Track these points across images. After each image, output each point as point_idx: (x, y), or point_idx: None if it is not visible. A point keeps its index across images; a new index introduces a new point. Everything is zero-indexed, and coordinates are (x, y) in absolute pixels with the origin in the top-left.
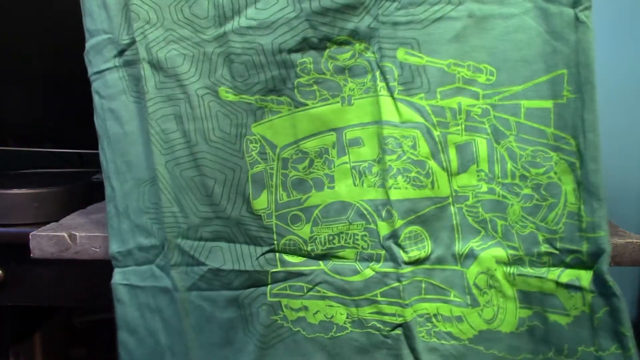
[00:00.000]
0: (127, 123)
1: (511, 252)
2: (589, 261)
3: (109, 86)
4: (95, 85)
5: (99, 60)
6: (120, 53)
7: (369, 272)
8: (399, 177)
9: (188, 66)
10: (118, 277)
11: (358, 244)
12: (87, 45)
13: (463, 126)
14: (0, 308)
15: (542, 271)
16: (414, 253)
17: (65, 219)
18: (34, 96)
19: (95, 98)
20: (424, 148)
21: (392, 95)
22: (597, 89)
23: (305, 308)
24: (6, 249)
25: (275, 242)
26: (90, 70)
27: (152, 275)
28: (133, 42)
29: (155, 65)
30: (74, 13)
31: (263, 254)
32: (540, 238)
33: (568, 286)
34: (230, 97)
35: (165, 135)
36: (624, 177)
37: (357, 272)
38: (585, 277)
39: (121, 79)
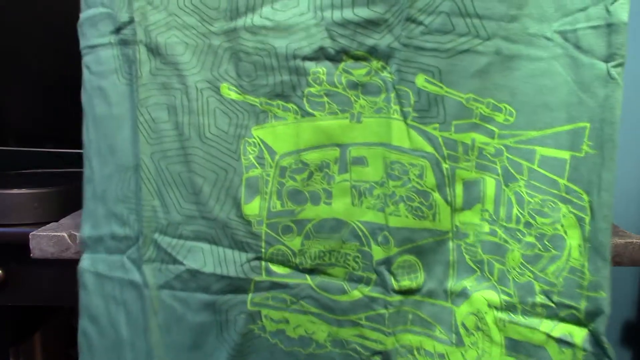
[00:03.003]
0: (116, 105)
1: (505, 297)
2: (584, 319)
3: (100, 63)
4: (86, 60)
5: (93, 33)
6: (117, 30)
7: (356, 294)
8: (401, 205)
9: (190, 56)
10: (86, 263)
11: (349, 264)
12: (82, 15)
13: (474, 163)
14: (0, 308)
15: (534, 321)
16: (405, 282)
17: (65, 219)
18: (34, 96)
19: (85, 73)
20: (430, 179)
21: (405, 120)
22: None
23: (287, 321)
24: (6, 249)
25: (263, 250)
26: (82, 43)
27: (121, 267)
28: (131, 21)
29: (153, 50)
30: (75, 13)
31: (248, 261)
32: (537, 288)
33: (560, 341)
34: (233, 95)
35: (154, 125)
36: (624, 177)
37: (344, 292)
38: (578, 335)
39: (114, 57)
